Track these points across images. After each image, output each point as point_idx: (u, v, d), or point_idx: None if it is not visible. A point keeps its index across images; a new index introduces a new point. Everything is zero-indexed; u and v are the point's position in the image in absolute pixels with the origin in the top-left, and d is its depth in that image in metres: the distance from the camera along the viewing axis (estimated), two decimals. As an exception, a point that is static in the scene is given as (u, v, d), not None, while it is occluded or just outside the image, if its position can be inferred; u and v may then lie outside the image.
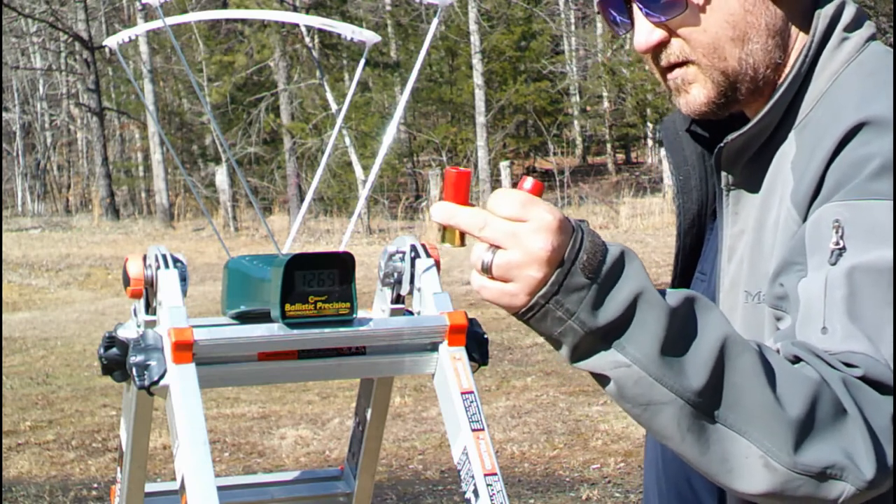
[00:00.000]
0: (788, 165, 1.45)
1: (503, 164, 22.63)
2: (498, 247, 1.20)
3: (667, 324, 1.21)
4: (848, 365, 1.26)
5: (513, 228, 1.19)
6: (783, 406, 1.22)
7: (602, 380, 1.24)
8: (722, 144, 1.50)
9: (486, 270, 1.21)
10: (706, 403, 1.22)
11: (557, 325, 1.21)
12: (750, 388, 1.22)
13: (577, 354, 1.23)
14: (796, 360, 1.28)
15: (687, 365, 1.22)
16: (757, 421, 1.22)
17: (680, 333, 1.22)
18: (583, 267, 1.20)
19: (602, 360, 1.22)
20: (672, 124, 1.63)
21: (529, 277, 1.20)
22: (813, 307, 1.31)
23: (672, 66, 1.48)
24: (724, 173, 1.53)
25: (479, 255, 1.21)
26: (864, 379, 1.26)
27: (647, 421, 1.25)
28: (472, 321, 1.50)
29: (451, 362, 1.47)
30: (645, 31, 1.47)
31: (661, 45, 1.47)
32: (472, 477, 1.39)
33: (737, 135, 1.48)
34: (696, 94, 1.48)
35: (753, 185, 1.51)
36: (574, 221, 1.22)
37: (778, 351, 1.31)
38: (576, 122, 32.05)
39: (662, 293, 1.24)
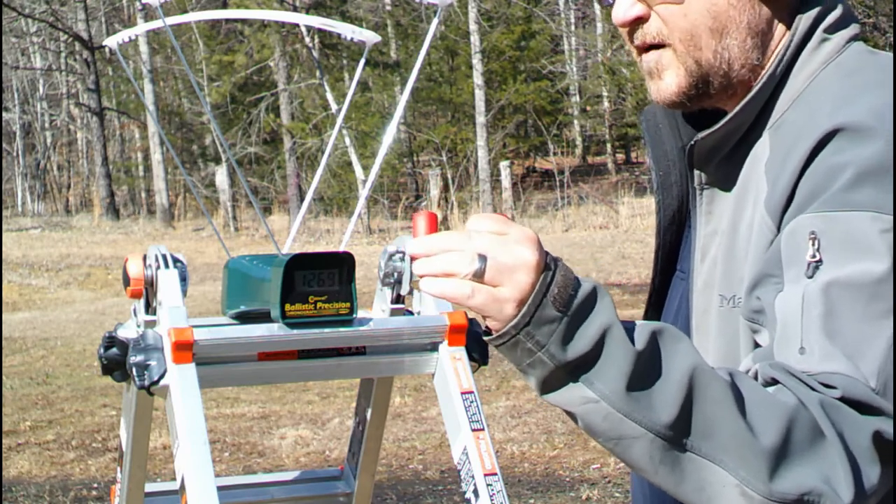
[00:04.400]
0: (762, 168, 1.43)
1: (503, 164, 22.63)
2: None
3: (634, 359, 1.21)
4: (826, 386, 1.24)
5: (499, 237, 1.22)
6: (756, 434, 1.21)
7: (573, 416, 1.25)
8: (693, 142, 1.48)
9: (479, 276, 1.21)
10: (677, 436, 1.22)
11: (527, 356, 1.22)
12: (721, 418, 1.22)
13: (546, 387, 1.23)
14: (774, 382, 1.27)
15: (655, 399, 1.21)
16: (731, 450, 1.22)
17: (647, 368, 1.22)
18: (553, 300, 1.20)
19: (570, 395, 1.23)
20: (653, 117, 1.60)
21: (520, 281, 1.21)
22: (790, 326, 1.29)
23: (648, 48, 1.47)
24: (697, 172, 1.51)
25: (470, 263, 1.21)
26: (843, 399, 1.23)
27: (619, 454, 1.25)
28: (472, 321, 1.49)
29: (451, 362, 1.47)
30: (625, 5, 1.46)
31: (640, 22, 1.46)
32: (472, 477, 1.39)
33: (708, 132, 1.46)
34: (668, 81, 1.46)
35: (727, 184, 1.49)
36: (548, 256, 1.23)
37: (756, 373, 1.30)
38: (576, 121, 32.02)
39: (630, 326, 1.24)
